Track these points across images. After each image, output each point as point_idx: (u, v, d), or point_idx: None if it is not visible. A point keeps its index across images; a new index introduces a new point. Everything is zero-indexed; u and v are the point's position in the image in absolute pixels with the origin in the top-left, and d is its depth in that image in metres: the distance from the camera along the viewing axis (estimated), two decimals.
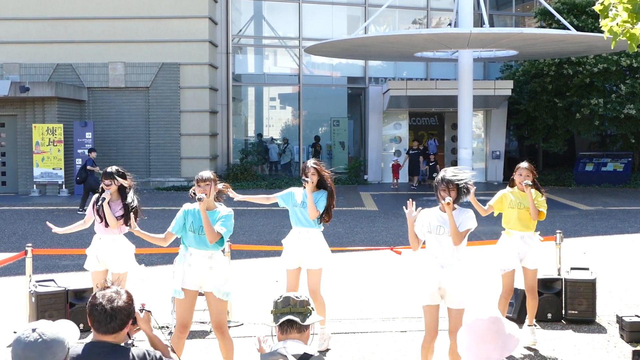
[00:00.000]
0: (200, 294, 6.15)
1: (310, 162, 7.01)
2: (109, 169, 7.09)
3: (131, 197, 7.04)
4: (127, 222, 6.99)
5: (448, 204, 5.60)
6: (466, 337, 3.12)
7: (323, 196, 6.92)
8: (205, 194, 5.73)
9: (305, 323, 3.56)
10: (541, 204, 7.01)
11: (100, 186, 7.09)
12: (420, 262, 5.87)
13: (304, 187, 6.95)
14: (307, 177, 6.90)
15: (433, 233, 5.72)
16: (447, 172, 5.79)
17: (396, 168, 24.54)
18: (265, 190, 23.14)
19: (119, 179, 7.02)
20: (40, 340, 2.90)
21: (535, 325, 7.26)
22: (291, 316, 3.53)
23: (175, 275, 6.00)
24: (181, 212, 5.95)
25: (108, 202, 6.95)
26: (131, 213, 6.93)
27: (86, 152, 21.96)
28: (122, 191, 7.04)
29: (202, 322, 7.82)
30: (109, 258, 7.04)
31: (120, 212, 6.97)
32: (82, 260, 11.63)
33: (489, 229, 14.79)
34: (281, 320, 3.53)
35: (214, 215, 5.81)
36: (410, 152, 24.30)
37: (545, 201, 7.11)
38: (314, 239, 6.99)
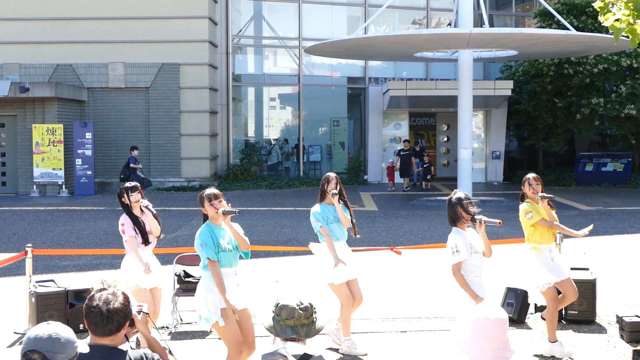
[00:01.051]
0: None
1: (332, 175, 7.13)
2: (130, 184, 6.98)
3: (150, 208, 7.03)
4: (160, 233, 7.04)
5: (482, 222, 5.76)
6: (472, 334, 3.12)
7: (344, 208, 7.12)
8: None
9: (308, 338, 3.56)
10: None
11: (129, 202, 6.90)
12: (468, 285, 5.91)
13: (325, 201, 7.08)
14: (332, 189, 7.02)
15: (479, 252, 5.91)
16: (460, 193, 5.96)
17: (391, 170, 23.85)
18: (265, 190, 23.13)
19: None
20: (54, 335, 2.96)
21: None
22: (296, 335, 3.55)
23: (209, 301, 5.60)
24: (208, 233, 5.68)
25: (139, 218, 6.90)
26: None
27: (86, 151, 22.00)
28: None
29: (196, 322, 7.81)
30: (154, 273, 6.89)
31: (156, 221, 6.95)
32: (82, 261, 11.66)
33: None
34: (286, 337, 3.54)
35: (224, 232, 5.75)
36: (401, 153, 23.42)
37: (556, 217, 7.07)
38: (349, 250, 7.24)
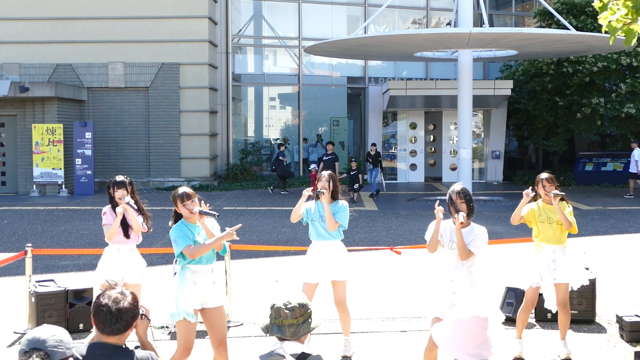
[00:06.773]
0: None
1: (325, 173, 6.92)
2: (119, 179, 7.00)
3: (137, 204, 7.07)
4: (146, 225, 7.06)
5: (461, 223, 5.59)
6: (452, 332, 3.19)
7: (344, 210, 6.83)
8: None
9: (295, 338, 3.54)
10: (570, 215, 6.75)
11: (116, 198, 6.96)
12: (434, 274, 5.88)
13: (316, 199, 6.90)
14: (322, 187, 6.84)
15: (446, 247, 5.74)
16: (456, 186, 5.80)
17: (314, 178, 20.68)
18: (264, 190, 23.14)
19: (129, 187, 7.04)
20: (53, 334, 3.05)
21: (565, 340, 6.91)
22: (280, 334, 3.54)
23: (180, 298, 5.61)
24: (181, 228, 5.66)
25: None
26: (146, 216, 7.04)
27: (85, 151, 21.99)
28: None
29: (200, 322, 7.81)
30: (127, 268, 6.98)
31: (140, 217, 6.98)
32: (82, 260, 11.65)
33: (489, 229, 14.79)
34: (273, 335, 3.57)
35: (199, 229, 5.69)
36: (324, 158, 20.50)
37: (572, 212, 6.83)
38: (338, 251, 6.94)
